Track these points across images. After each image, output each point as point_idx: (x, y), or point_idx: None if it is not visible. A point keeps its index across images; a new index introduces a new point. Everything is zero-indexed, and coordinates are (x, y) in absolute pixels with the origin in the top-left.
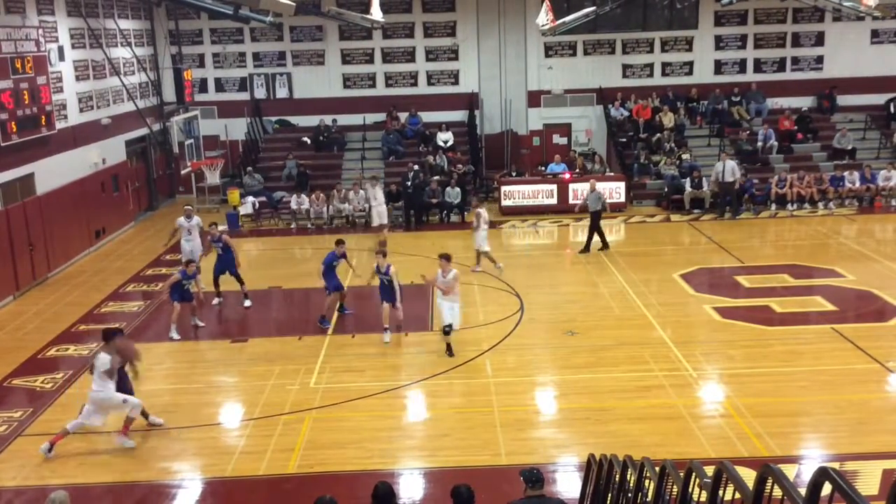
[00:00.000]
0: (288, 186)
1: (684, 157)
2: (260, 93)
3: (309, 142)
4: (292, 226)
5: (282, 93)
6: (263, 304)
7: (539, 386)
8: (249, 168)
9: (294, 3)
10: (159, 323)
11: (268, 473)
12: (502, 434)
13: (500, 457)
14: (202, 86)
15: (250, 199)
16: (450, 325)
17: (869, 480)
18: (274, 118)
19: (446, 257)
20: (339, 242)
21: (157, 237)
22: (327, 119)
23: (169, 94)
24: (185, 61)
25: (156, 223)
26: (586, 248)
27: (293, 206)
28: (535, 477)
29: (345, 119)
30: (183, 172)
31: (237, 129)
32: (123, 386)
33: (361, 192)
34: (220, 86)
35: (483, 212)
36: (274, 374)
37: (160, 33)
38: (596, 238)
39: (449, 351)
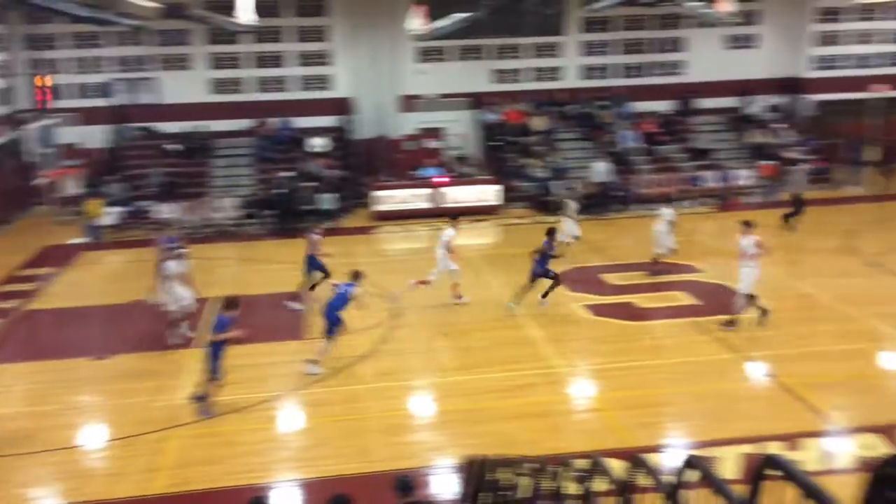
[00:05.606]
0: (154, 195)
1: (554, 159)
2: (124, 98)
3: (178, 148)
4: None
5: (147, 98)
6: (127, 318)
7: (415, 390)
8: (113, 177)
9: (156, 6)
10: (14, 343)
11: (130, 496)
12: (379, 440)
13: (376, 463)
14: (62, 92)
15: (114, 209)
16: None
17: (730, 465)
18: (139, 124)
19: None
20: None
21: (10, 253)
22: (195, 125)
23: (24, 100)
24: (44, 66)
25: (10, 238)
26: None
27: (159, 215)
28: (404, 485)
29: (214, 125)
30: (35, 183)
31: (100, 136)
32: None
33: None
34: (81, 92)
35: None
36: (139, 391)
37: (15, 37)
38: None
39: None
